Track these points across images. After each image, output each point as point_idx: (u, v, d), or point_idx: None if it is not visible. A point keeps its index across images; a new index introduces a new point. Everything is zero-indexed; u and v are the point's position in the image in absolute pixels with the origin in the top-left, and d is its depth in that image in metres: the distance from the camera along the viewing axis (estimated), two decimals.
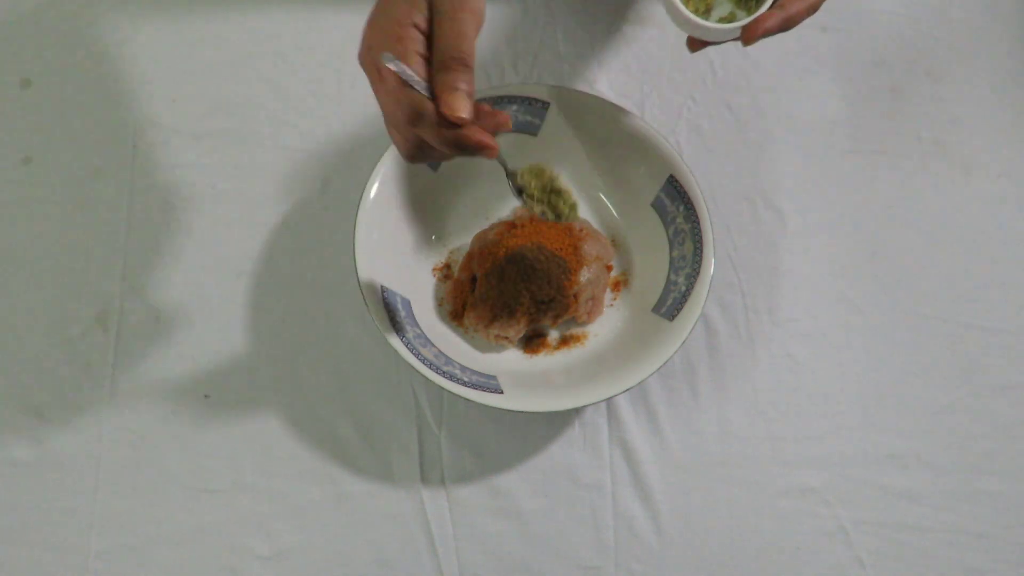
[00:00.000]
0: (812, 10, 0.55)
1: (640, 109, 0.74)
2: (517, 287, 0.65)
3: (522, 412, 0.61)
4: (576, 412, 0.67)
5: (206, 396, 0.67)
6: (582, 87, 0.74)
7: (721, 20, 0.59)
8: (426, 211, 0.70)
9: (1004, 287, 0.71)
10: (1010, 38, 0.77)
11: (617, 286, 0.69)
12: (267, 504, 0.66)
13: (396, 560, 0.65)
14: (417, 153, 0.51)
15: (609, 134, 0.68)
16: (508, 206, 0.70)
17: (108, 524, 0.65)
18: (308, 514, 0.65)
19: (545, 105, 0.67)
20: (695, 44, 0.59)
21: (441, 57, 0.48)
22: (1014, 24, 0.77)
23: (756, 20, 0.54)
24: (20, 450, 0.66)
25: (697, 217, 0.65)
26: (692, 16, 0.56)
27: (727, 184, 0.72)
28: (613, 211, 0.71)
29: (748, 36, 0.54)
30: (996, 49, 0.77)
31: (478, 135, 0.48)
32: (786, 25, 0.55)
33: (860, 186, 0.73)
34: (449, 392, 0.61)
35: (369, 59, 0.50)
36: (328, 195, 0.71)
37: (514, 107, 0.67)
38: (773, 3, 0.55)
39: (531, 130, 0.69)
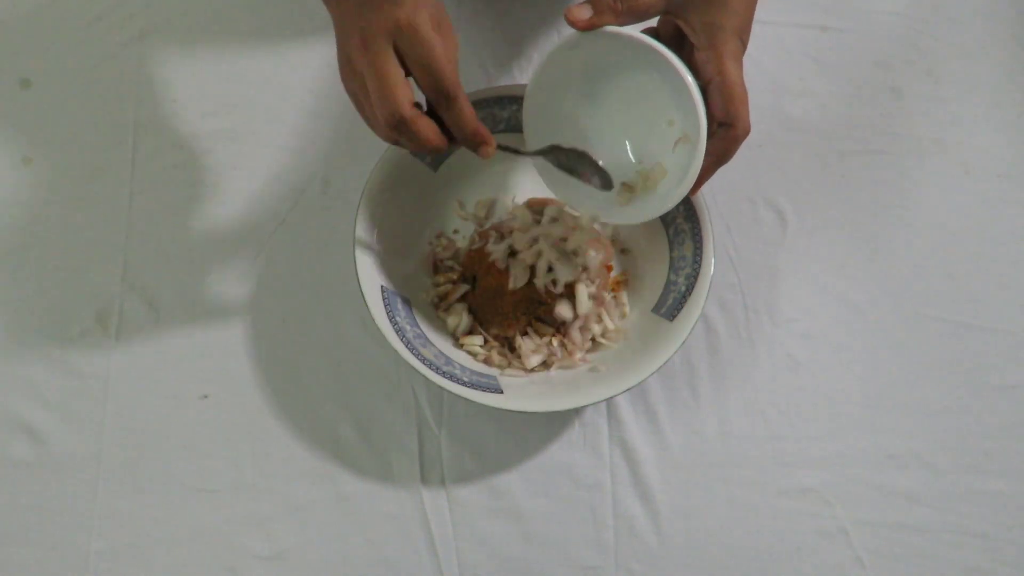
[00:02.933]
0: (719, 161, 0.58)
1: None
2: (515, 287, 0.65)
3: (522, 412, 0.61)
4: (576, 412, 0.67)
5: (205, 396, 0.67)
6: None
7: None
8: (426, 211, 0.70)
9: (1004, 287, 0.71)
10: (1010, 38, 0.77)
11: (617, 286, 0.69)
12: (267, 504, 0.66)
13: (396, 560, 0.65)
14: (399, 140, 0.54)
15: None
16: (508, 207, 0.70)
17: (108, 524, 0.65)
18: (308, 514, 0.65)
19: None
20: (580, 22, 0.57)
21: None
22: (1014, 24, 0.77)
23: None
24: (20, 450, 0.66)
25: (697, 217, 0.65)
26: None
27: (727, 184, 0.72)
28: None
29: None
30: (996, 49, 0.77)
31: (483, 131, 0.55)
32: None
33: (860, 186, 0.73)
34: (449, 392, 0.61)
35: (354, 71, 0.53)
36: (328, 195, 0.71)
37: (514, 107, 0.67)
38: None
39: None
